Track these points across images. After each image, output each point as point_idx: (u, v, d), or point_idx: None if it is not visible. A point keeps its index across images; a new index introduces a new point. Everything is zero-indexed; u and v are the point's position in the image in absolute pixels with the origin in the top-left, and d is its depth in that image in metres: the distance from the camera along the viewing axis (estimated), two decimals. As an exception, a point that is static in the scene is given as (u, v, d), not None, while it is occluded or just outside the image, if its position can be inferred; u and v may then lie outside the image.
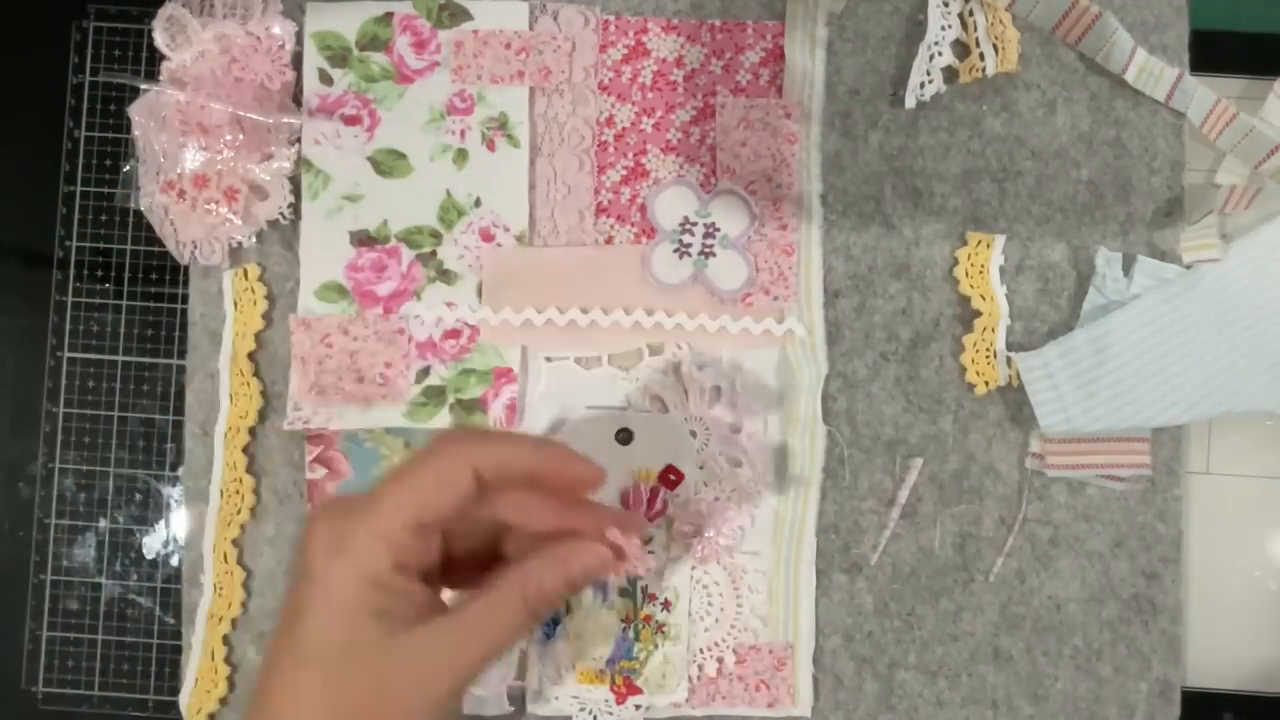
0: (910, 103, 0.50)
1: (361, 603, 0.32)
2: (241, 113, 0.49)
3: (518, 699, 0.49)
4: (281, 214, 0.50)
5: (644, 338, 0.50)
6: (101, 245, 0.52)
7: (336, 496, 0.35)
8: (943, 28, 0.51)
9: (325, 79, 0.51)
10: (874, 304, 0.51)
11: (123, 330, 0.52)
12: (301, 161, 0.50)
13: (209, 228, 0.50)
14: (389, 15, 0.51)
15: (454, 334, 0.50)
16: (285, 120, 0.50)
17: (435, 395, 0.50)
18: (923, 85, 0.50)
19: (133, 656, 0.51)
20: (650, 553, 0.49)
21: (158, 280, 0.52)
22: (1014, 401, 0.51)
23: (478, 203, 0.51)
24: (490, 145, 0.51)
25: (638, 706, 0.49)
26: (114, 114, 0.52)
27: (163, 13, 0.49)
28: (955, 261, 0.51)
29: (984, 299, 0.50)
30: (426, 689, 0.32)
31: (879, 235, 0.51)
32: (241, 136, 0.49)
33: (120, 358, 0.52)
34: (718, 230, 0.50)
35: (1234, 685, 0.51)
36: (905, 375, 0.51)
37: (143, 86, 0.49)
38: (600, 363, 0.51)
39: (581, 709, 0.49)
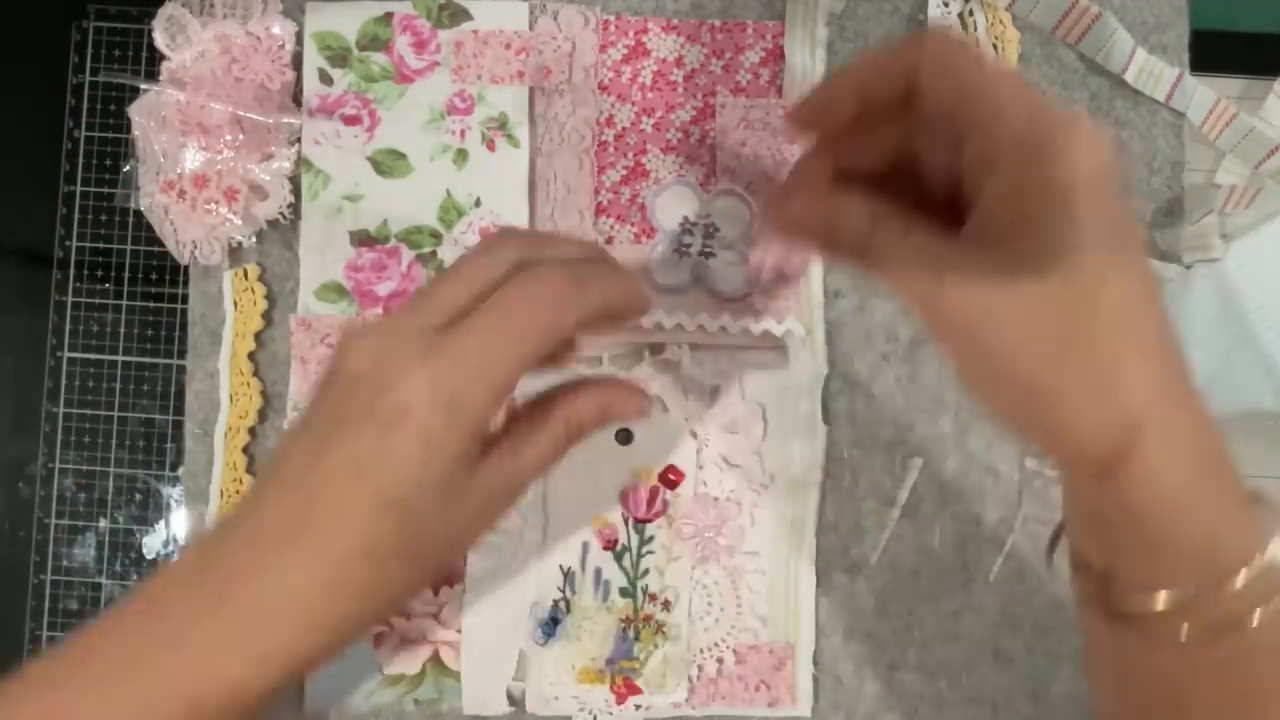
0: (910, 103, 0.50)
1: (462, 455, 0.32)
2: (241, 113, 0.49)
3: (518, 699, 0.49)
4: (281, 214, 0.50)
5: (644, 337, 0.50)
6: (101, 245, 0.52)
7: (403, 321, 0.33)
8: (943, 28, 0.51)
9: (325, 79, 0.51)
10: (874, 304, 0.51)
11: (123, 330, 0.52)
12: (301, 161, 0.50)
13: (209, 228, 0.50)
14: (389, 15, 0.51)
15: (454, 334, 0.50)
16: (285, 120, 0.50)
17: (435, 395, 0.50)
18: (923, 85, 0.50)
19: (133, 656, 0.51)
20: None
21: (158, 280, 0.52)
22: (1014, 401, 0.51)
23: (478, 203, 0.51)
24: (490, 145, 0.51)
25: (638, 706, 0.49)
26: (114, 114, 0.52)
27: (163, 13, 0.49)
28: (955, 261, 0.51)
29: (984, 299, 0.50)
30: (485, 522, 0.35)
31: (879, 235, 0.51)
32: (241, 136, 0.49)
33: (120, 358, 0.52)
34: (717, 230, 0.50)
35: (1234, 685, 0.51)
36: (905, 375, 0.51)
37: (143, 86, 0.49)
38: (600, 363, 0.51)
39: (581, 709, 0.49)
